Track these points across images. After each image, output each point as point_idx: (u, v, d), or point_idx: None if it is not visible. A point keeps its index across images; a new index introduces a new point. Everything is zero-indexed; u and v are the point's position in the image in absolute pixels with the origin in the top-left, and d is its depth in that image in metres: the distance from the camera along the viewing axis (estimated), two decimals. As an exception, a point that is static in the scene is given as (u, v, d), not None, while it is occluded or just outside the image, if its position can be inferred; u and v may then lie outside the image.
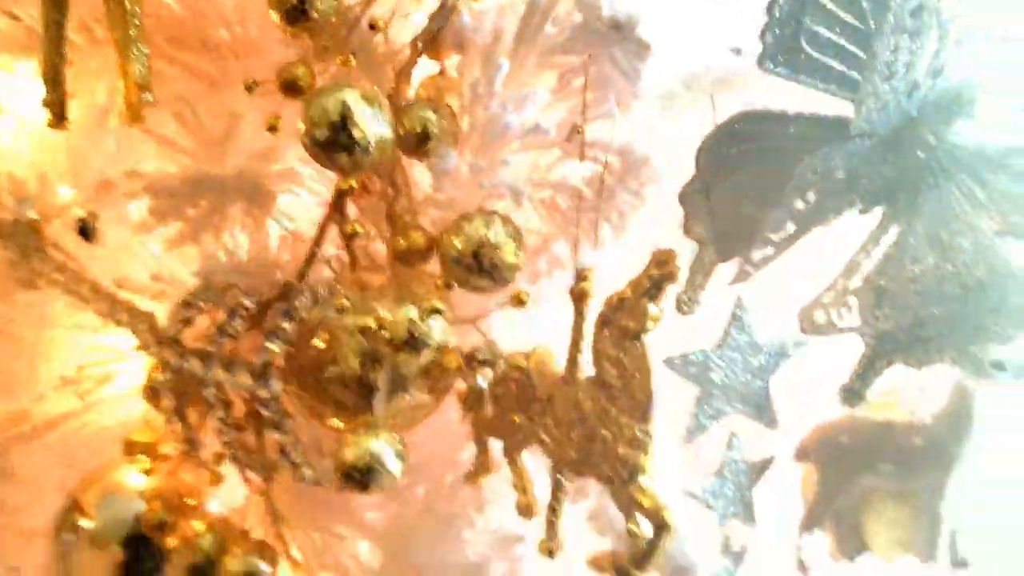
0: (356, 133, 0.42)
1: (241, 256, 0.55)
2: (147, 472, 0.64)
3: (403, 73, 0.51)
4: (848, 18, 0.39)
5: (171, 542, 0.62)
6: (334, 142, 0.42)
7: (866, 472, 0.61)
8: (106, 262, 0.59)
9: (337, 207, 0.52)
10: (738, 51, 0.54)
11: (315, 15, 0.49)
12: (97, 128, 0.62)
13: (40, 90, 0.57)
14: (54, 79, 0.54)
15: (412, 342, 0.44)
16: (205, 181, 0.55)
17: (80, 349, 0.62)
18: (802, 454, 0.63)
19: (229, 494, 0.61)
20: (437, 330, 0.45)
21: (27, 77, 0.59)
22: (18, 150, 0.61)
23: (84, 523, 0.64)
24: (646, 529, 0.45)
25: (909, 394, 0.60)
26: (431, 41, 0.52)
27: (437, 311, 0.44)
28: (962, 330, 0.47)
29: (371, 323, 0.44)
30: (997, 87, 0.42)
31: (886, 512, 0.62)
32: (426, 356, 0.45)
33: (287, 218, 0.55)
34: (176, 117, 0.57)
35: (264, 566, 0.54)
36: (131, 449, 0.66)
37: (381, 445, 0.44)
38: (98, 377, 0.60)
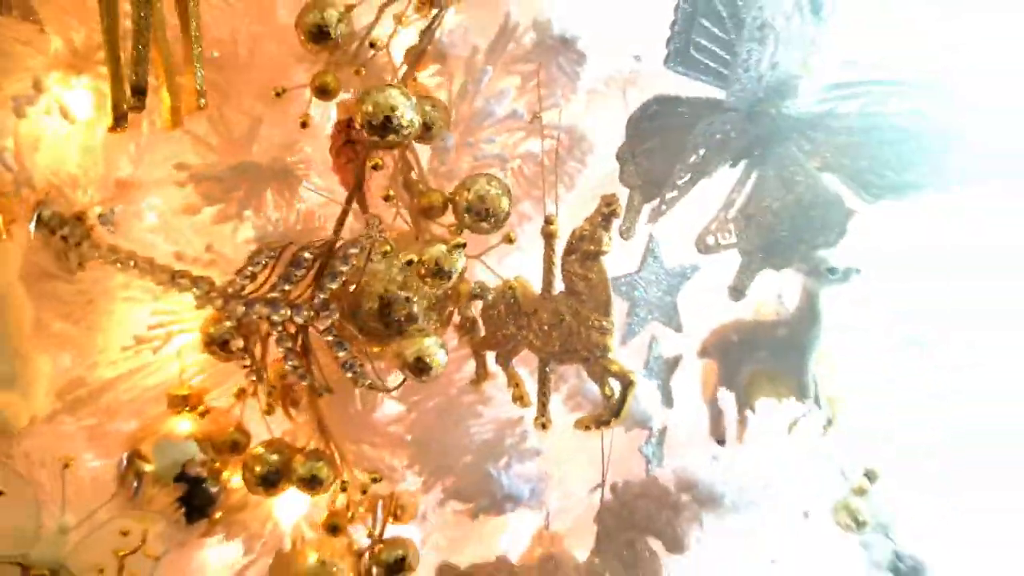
0: (402, 119, 0.60)
1: (286, 224, 0.70)
2: (193, 419, 0.78)
3: (408, 78, 0.69)
4: (718, 33, 0.60)
5: (225, 473, 0.76)
6: (387, 126, 0.60)
7: (749, 359, 0.84)
8: (162, 240, 0.73)
9: (360, 183, 0.69)
10: (638, 58, 0.76)
11: (334, 36, 0.67)
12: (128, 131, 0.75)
13: (90, 101, 0.71)
14: (117, 89, 0.68)
15: (441, 271, 0.62)
16: (245, 168, 0.70)
17: (135, 319, 0.74)
18: (703, 352, 0.85)
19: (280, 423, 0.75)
20: (460, 261, 0.62)
21: (80, 91, 0.71)
22: (71, 152, 0.72)
23: (146, 467, 0.76)
24: (616, 389, 0.64)
25: (772, 299, 0.84)
26: (420, 55, 0.70)
27: (462, 245, 0.62)
28: (803, 239, 0.69)
29: (413, 257, 0.62)
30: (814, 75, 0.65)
31: (765, 388, 0.85)
32: (453, 281, 0.63)
33: (324, 191, 0.71)
34: (208, 119, 0.72)
35: (324, 468, 0.69)
36: (174, 402, 0.79)
37: (432, 342, 0.61)
38: (162, 336, 0.72)
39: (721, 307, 0.83)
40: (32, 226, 0.76)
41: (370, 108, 0.60)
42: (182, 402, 0.78)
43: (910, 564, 1.03)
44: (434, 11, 0.68)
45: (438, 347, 0.62)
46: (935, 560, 1.01)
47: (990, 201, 0.74)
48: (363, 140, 0.71)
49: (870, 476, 1.01)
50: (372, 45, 0.68)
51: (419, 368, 0.61)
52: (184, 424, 0.78)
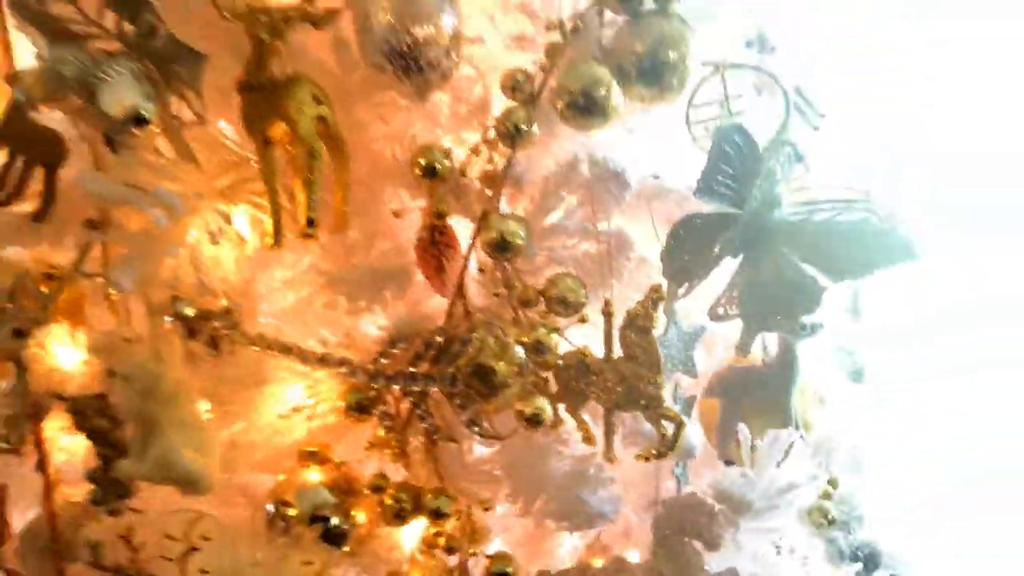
0: (515, 240, 0.82)
1: (401, 313, 0.91)
2: (321, 470, 0.96)
3: (494, 204, 0.91)
4: (733, 174, 0.86)
5: (353, 512, 0.95)
6: (506, 247, 0.82)
7: (744, 397, 1.08)
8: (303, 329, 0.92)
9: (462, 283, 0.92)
10: (657, 176, 1.01)
11: (439, 171, 0.89)
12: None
13: (245, 223, 0.91)
14: (277, 216, 0.87)
15: (542, 347, 0.84)
16: (370, 271, 0.91)
17: (281, 394, 0.93)
18: (708, 391, 1.10)
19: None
20: (555, 340, 0.85)
21: (239, 216, 0.90)
22: (231, 264, 0.91)
23: (291, 512, 0.94)
24: (669, 429, 0.88)
25: (758, 349, 1.09)
26: (501, 182, 0.93)
27: (557, 330, 0.84)
28: (789, 310, 0.95)
29: (524, 339, 0.84)
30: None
31: (757, 421, 1.10)
32: (548, 356, 0.85)
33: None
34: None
35: (447, 501, 0.89)
36: (304, 457, 0.98)
37: (543, 402, 0.83)
38: (311, 406, 0.91)
39: (718, 356, 1.09)
40: (168, 319, 0.94)
41: (494, 234, 0.82)
42: (311, 457, 0.97)
43: (867, 552, 1.31)
44: (510, 151, 0.91)
45: (547, 404, 0.84)
46: (889, 547, 1.29)
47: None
48: (445, 243, 0.93)
49: (832, 484, 1.27)
50: (462, 173, 0.91)
51: (534, 421, 0.83)
52: (314, 475, 0.97)
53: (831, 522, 1.22)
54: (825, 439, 1.21)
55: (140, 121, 0.79)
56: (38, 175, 1.01)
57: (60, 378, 1.02)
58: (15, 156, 1.02)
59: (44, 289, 1.06)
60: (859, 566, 1.24)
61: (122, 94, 0.79)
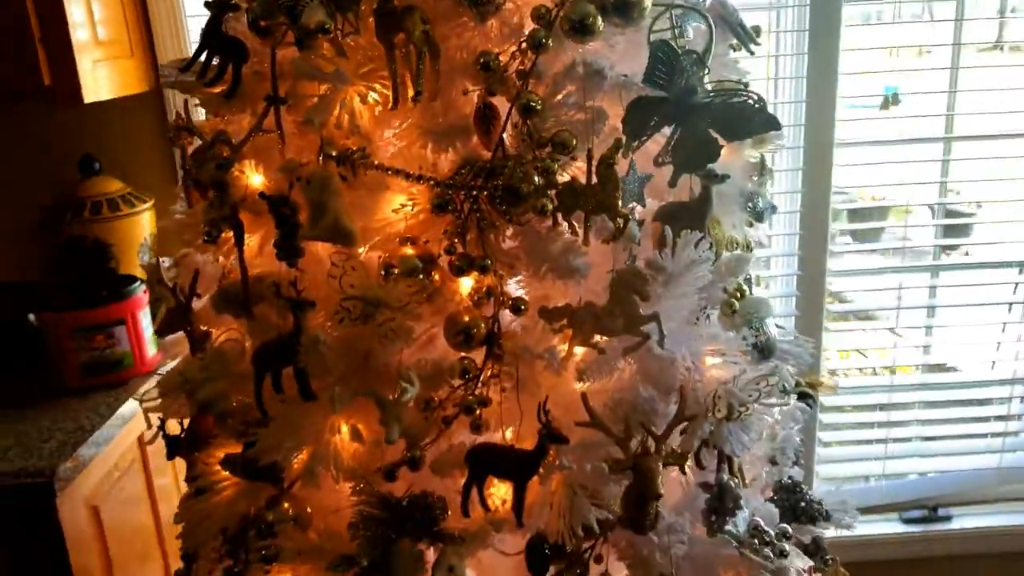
0: (537, 107, 1.43)
1: (467, 152, 1.52)
2: (414, 249, 1.61)
3: (523, 88, 1.51)
4: (665, 71, 1.44)
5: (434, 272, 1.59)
6: (530, 110, 1.43)
7: (676, 218, 1.70)
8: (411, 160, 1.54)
9: (502, 136, 1.53)
10: (625, 75, 1.60)
11: (492, 67, 1.49)
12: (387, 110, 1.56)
13: (369, 90, 1.52)
14: (395, 91, 1.48)
15: (549, 175, 1.46)
16: (449, 127, 1.52)
17: (392, 199, 1.56)
18: (655, 217, 1.72)
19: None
20: (556, 170, 1.46)
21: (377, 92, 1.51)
22: (366, 117, 1.53)
23: (395, 271, 1.58)
24: (621, 224, 1.50)
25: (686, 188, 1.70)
26: (528, 74, 1.52)
27: (557, 160, 1.46)
28: (700, 159, 1.55)
29: (538, 165, 1.45)
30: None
31: (681, 230, 1.71)
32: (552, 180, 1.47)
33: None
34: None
35: (490, 264, 1.53)
36: (403, 240, 1.62)
37: (547, 200, 1.46)
38: (410, 206, 1.55)
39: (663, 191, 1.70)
40: (320, 157, 1.56)
41: (524, 102, 1.43)
42: (407, 240, 1.61)
43: (763, 341, 1.95)
44: (534, 56, 1.51)
45: (549, 202, 1.47)
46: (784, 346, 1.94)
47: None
48: (492, 115, 1.54)
49: (740, 291, 1.91)
50: (505, 69, 1.51)
51: (541, 211, 1.46)
52: (409, 250, 1.61)
53: (734, 312, 1.86)
54: (735, 262, 1.85)
55: (325, 31, 1.40)
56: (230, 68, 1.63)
57: (252, 189, 1.66)
58: (214, 55, 1.64)
59: (234, 140, 1.69)
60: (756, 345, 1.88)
61: (315, 13, 1.39)
